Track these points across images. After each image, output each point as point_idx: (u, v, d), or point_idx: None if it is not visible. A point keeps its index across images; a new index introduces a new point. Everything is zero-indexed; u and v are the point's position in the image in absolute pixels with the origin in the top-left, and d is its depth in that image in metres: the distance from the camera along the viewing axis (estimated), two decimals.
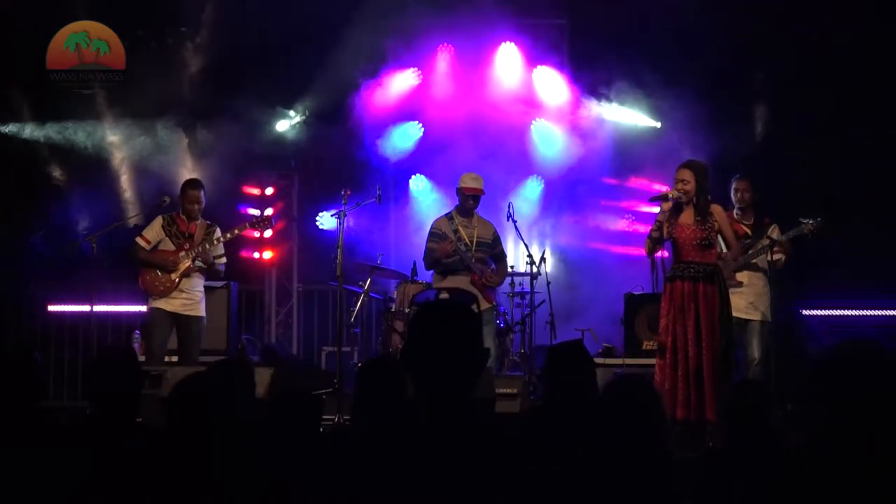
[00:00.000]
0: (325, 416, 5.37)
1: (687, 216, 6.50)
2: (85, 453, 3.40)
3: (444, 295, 7.62)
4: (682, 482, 3.54)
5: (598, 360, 8.04)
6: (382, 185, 8.68)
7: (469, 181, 7.88)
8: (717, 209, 6.54)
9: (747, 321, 7.27)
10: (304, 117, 10.33)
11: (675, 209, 6.51)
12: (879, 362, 2.44)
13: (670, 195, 6.50)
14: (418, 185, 10.23)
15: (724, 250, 6.70)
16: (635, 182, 10.04)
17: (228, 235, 7.71)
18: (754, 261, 7.34)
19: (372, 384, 3.81)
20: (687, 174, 6.50)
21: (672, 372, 6.29)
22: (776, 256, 7.19)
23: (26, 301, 10.09)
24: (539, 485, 2.64)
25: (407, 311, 7.87)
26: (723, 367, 6.31)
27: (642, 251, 9.98)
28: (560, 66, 10.15)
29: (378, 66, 9.94)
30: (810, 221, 7.26)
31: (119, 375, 3.63)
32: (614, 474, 3.12)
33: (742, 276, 7.34)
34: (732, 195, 7.47)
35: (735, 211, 7.45)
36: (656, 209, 6.69)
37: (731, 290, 7.10)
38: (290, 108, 10.35)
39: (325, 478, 3.09)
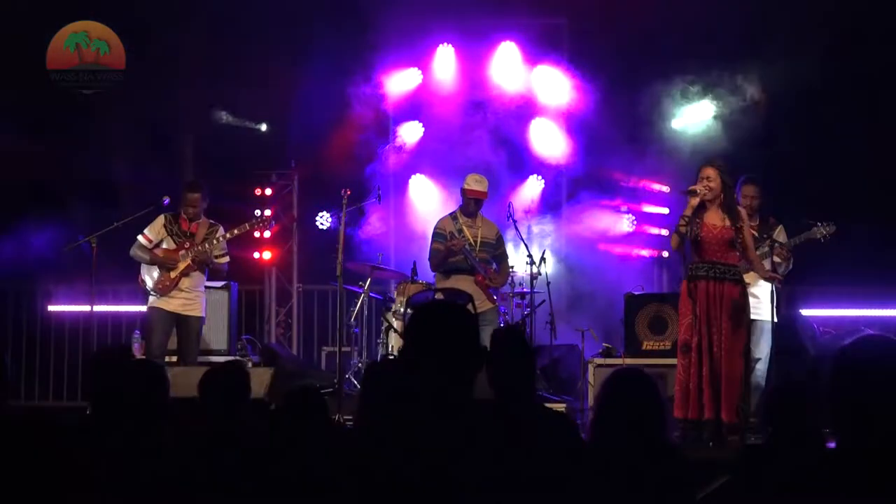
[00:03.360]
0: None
1: (713, 215, 6.40)
2: (83, 453, 3.39)
3: (440, 296, 7.59)
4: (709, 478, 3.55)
5: (598, 361, 8.06)
6: (382, 184, 8.69)
7: (473, 183, 7.85)
8: (743, 212, 6.46)
9: (754, 321, 7.23)
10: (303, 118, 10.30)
11: (698, 207, 6.40)
12: None
13: (697, 191, 6.40)
14: (418, 185, 10.22)
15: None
16: (636, 182, 10.03)
17: (229, 235, 7.70)
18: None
19: (376, 384, 3.82)
20: (710, 172, 6.40)
21: (697, 372, 6.26)
22: (777, 259, 7.12)
23: (26, 301, 10.09)
24: (540, 484, 2.64)
25: (403, 311, 7.85)
26: (744, 368, 6.31)
27: (642, 251, 10.15)
28: (560, 65, 10.14)
29: (378, 66, 9.93)
30: (823, 225, 7.15)
31: (116, 374, 3.63)
32: (619, 470, 3.12)
33: (748, 277, 7.29)
34: (740, 199, 7.41)
35: None
36: (664, 210, 6.63)
37: None
38: (290, 107, 10.33)
39: (325, 477, 3.09)
